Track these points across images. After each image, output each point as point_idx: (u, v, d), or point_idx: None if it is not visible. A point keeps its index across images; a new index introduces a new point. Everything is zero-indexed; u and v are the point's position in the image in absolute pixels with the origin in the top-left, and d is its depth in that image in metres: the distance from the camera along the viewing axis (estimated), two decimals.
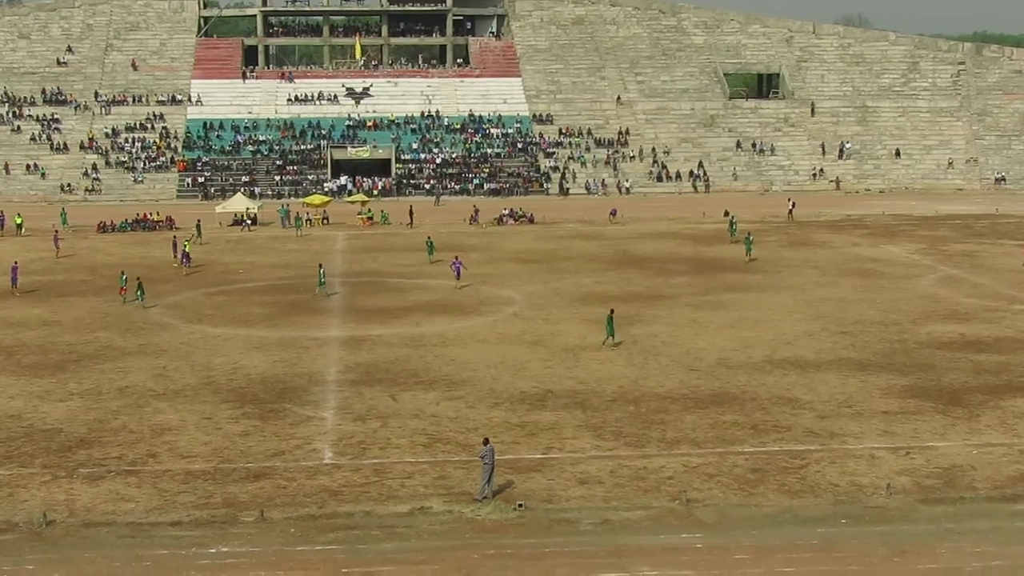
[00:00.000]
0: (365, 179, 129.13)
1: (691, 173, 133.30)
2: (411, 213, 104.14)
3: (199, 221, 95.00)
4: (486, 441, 35.17)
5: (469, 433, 40.77)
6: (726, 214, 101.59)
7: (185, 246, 79.12)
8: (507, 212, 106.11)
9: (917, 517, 33.33)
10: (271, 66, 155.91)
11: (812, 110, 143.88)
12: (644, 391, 46.60)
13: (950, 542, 31.48)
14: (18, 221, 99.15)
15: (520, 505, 33.88)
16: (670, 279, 73.26)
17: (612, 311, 55.12)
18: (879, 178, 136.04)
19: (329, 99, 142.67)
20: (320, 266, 69.73)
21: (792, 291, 68.82)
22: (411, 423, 42.42)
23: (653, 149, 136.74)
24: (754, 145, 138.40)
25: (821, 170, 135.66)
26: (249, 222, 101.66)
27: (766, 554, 30.68)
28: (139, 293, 64.89)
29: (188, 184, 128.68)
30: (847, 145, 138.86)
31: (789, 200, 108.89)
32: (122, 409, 44.60)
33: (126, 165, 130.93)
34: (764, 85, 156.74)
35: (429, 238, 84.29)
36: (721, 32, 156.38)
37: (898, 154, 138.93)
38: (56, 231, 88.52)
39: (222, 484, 36.10)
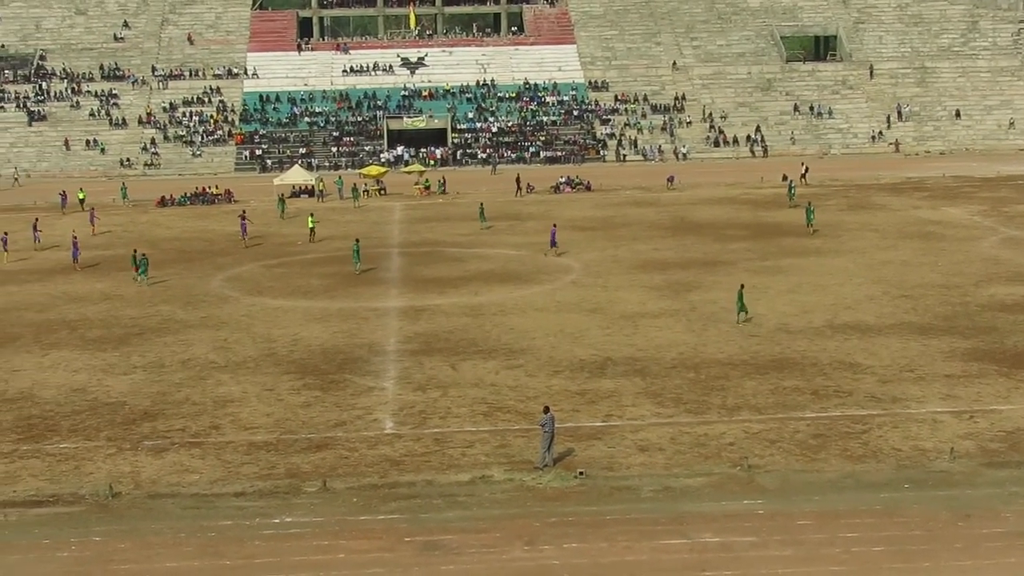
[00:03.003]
0: (421, 149, 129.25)
1: (748, 138, 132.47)
2: (443, 182, 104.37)
3: (282, 195, 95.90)
4: (546, 409, 35.22)
5: (529, 402, 40.84)
6: (784, 178, 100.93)
7: (309, 221, 79.63)
8: (564, 180, 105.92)
9: (981, 481, 33.08)
10: (326, 37, 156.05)
11: (871, 72, 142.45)
12: (704, 357, 46.48)
13: (1015, 506, 31.23)
14: (81, 196, 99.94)
15: (581, 473, 33.92)
16: (728, 245, 72.91)
17: (742, 286, 53.48)
18: (939, 140, 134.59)
19: (384, 69, 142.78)
20: (356, 241, 68.87)
21: (852, 255, 68.32)
22: (471, 392, 42.53)
23: (710, 114, 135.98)
24: (812, 108, 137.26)
25: (880, 133, 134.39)
26: (319, 194, 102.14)
27: (828, 520, 30.55)
28: (142, 269, 64.85)
29: (246, 157, 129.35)
30: (906, 107, 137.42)
31: (802, 164, 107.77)
32: (185, 381, 44.99)
33: (184, 139, 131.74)
34: (821, 47, 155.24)
35: (481, 204, 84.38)
36: None
37: (958, 115, 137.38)
38: (92, 209, 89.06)
39: (285, 455, 36.37)
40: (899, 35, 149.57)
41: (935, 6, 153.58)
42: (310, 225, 79.01)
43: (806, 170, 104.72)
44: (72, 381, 45.52)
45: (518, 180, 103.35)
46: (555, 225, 74.57)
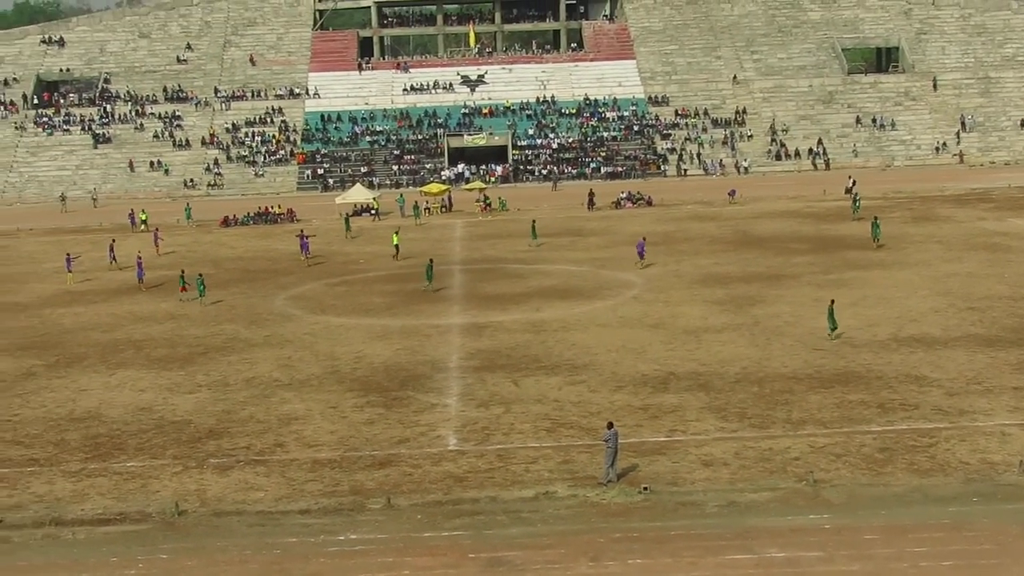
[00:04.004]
0: (482, 166, 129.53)
1: (810, 151, 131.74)
2: (485, 198, 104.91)
3: (347, 214, 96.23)
4: (610, 425, 35.13)
5: (592, 417, 40.76)
6: (847, 191, 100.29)
7: (394, 239, 79.74)
8: (625, 195, 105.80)
9: None
10: (386, 57, 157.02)
11: (934, 83, 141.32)
12: (767, 372, 46.21)
13: None
14: (143, 217, 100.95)
15: (645, 488, 33.79)
16: (791, 258, 72.50)
17: (833, 302, 52.60)
18: (1004, 150, 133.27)
19: (444, 87, 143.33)
20: (430, 260, 68.56)
21: (917, 267, 67.75)
22: (534, 408, 42.50)
23: (771, 127, 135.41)
24: (874, 120, 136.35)
25: (944, 144, 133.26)
26: (374, 212, 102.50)
27: (896, 534, 30.25)
28: (200, 289, 65.36)
29: (308, 176, 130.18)
30: (970, 118, 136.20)
31: (849, 178, 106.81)
32: (249, 400, 45.25)
33: (246, 159, 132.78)
34: (883, 59, 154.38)
35: (533, 221, 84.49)
36: (838, 7, 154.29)
37: (1023, 125, 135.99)
38: (156, 229, 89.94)
39: (349, 472, 36.47)
40: (962, 45, 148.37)
41: (998, 16, 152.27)
42: (395, 242, 79.08)
43: (853, 183, 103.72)
44: (138, 400, 45.92)
45: (591, 195, 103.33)
46: (643, 238, 74.53)
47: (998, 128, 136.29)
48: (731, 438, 38.24)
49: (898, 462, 35.32)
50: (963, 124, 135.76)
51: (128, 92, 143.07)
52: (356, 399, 44.72)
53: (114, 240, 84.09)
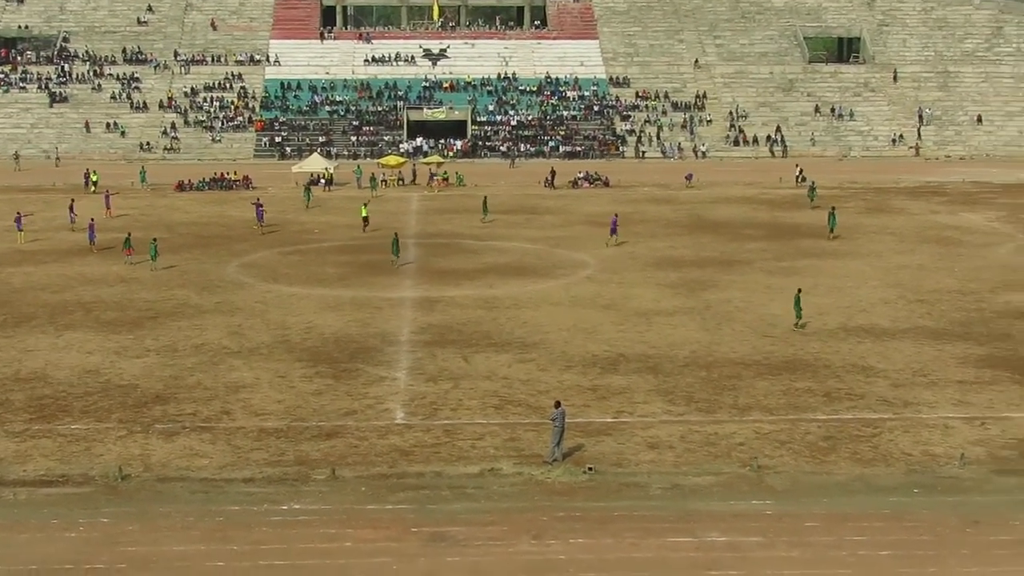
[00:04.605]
0: (441, 141, 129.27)
1: (768, 138, 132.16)
2: (414, 173, 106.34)
3: (308, 183, 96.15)
4: (557, 404, 35.24)
5: (540, 396, 40.86)
6: (798, 180, 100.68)
7: (363, 210, 79.38)
8: (582, 175, 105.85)
9: (991, 488, 33.02)
10: (349, 27, 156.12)
11: (894, 75, 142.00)
12: (717, 356, 46.44)
13: None
14: (95, 179, 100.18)
15: (590, 468, 33.92)
16: (745, 244, 72.81)
17: (800, 291, 52.32)
18: (960, 144, 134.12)
19: (406, 60, 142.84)
20: (395, 234, 68.39)
21: (869, 258, 68.19)
22: (483, 385, 42.56)
23: (730, 113, 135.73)
24: (833, 110, 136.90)
25: (901, 136, 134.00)
26: (325, 182, 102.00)
27: (837, 522, 30.52)
28: (153, 253, 64.95)
29: (265, 144, 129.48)
30: (927, 111, 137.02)
31: (796, 166, 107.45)
32: (197, 366, 45.11)
33: (204, 124, 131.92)
34: (844, 49, 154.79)
35: (485, 198, 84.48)
36: None
37: (980, 120, 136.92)
38: (107, 191, 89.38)
39: (295, 442, 36.43)
40: (923, 39, 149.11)
41: (960, 10, 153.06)
42: (364, 214, 78.68)
43: (800, 172, 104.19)
44: (85, 362, 45.67)
45: (552, 173, 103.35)
46: (616, 215, 74.98)
47: (955, 122, 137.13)
48: (677, 421, 38.43)
49: (841, 451, 35.61)
50: (921, 117, 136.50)
51: (87, 52, 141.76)
52: (305, 369, 44.65)
53: (73, 200, 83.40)
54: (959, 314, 53.76)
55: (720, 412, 39.47)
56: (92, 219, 73.04)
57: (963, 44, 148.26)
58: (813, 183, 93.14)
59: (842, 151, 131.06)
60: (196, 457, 35.20)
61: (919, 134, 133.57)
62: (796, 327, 50.70)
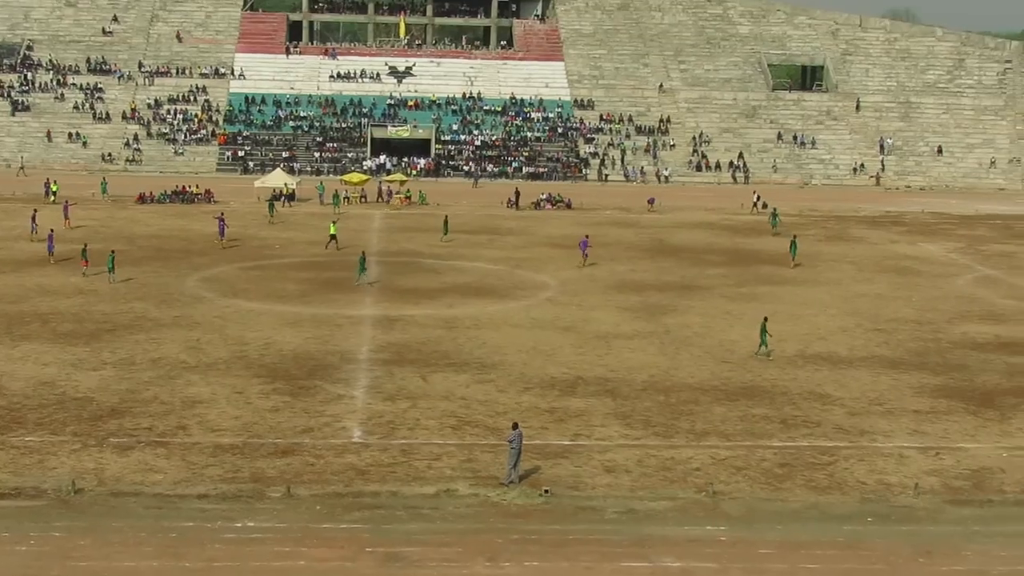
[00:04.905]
0: (404, 159, 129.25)
1: (731, 164, 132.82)
2: (380, 191, 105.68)
3: (272, 198, 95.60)
4: (515, 425, 35.21)
5: (498, 417, 40.82)
6: (764, 205, 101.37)
7: (332, 228, 78.99)
8: (545, 197, 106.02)
9: (944, 518, 33.18)
10: (315, 42, 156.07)
11: (856, 104, 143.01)
12: (675, 381, 46.54)
13: (977, 544, 31.30)
14: (55, 188, 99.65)
15: (546, 491, 33.90)
16: (706, 270, 73.05)
17: (766, 319, 52.37)
18: (920, 175, 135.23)
19: (371, 77, 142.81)
20: (363, 253, 68.35)
21: (828, 286, 68.54)
22: (441, 405, 42.49)
23: (694, 138, 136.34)
24: (795, 138, 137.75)
25: (862, 165, 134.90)
26: (287, 199, 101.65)
27: (791, 550, 30.60)
28: (110, 265, 64.61)
29: (228, 158, 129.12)
30: (889, 141, 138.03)
31: (754, 192, 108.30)
32: (154, 380, 44.85)
33: (167, 137, 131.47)
34: (808, 77, 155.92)
35: (446, 217, 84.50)
36: (767, 22, 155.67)
37: (940, 152, 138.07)
38: (66, 201, 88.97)
39: (250, 459, 36.26)
40: (886, 69, 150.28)
41: (923, 42, 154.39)
42: (332, 231, 78.35)
43: (757, 198, 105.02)
44: (41, 374, 45.34)
45: (517, 194, 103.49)
46: (587, 236, 75.65)
47: (915, 153, 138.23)
48: (635, 445, 38.46)
49: (797, 478, 35.73)
50: (882, 147, 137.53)
51: (50, 60, 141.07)
52: (262, 385, 44.46)
53: (36, 210, 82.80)
54: (916, 344, 54.08)
55: (677, 437, 39.54)
56: (51, 230, 72.59)
57: (925, 75, 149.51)
58: (775, 210, 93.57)
59: (803, 179, 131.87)
60: (150, 472, 34.97)
61: (883, 165, 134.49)
62: (760, 354, 50.72)
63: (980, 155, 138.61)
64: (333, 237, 77.55)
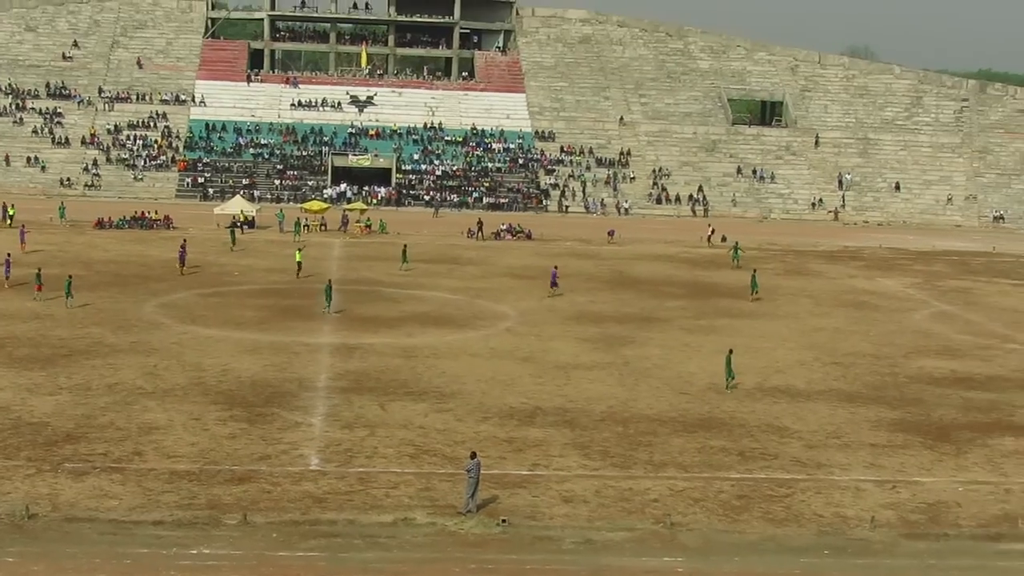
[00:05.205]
0: (365, 187, 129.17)
1: (691, 197, 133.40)
2: (344, 219, 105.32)
3: (232, 225, 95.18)
4: (473, 455, 35.14)
5: (456, 446, 40.72)
6: (723, 239, 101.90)
7: (297, 256, 78.68)
8: (505, 227, 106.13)
9: (900, 552, 33.30)
10: (276, 70, 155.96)
11: (816, 141, 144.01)
12: (633, 412, 46.57)
13: None
14: (11, 212, 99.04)
15: (504, 521, 33.82)
16: (665, 302, 73.26)
17: (731, 351, 52.21)
18: (878, 211, 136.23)
19: (332, 106, 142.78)
20: (329, 282, 67.57)
21: (786, 319, 68.85)
22: (399, 433, 42.37)
23: (654, 171, 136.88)
24: (754, 172, 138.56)
25: (820, 200, 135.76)
26: (246, 225, 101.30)
27: None
28: (67, 290, 64.21)
29: (188, 184, 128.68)
30: (847, 176, 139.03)
31: (709, 226, 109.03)
32: (110, 406, 44.53)
33: (127, 162, 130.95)
34: (767, 112, 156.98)
35: (405, 246, 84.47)
36: (727, 58, 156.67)
37: (898, 188, 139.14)
38: (23, 226, 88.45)
39: (206, 486, 36.02)
40: (844, 105, 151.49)
41: (881, 79, 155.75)
42: (298, 259, 78.03)
43: (712, 231, 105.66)
44: None
45: (480, 224, 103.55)
46: (556, 267, 76.45)
47: (873, 188, 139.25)
48: (593, 476, 38.44)
49: (754, 510, 35.78)
50: (840, 182, 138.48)
51: (10, 85, 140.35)
52: (220, 412, 44.21)
53: None
54: (873, 378, 54.35)
55: (635, 468, 39.55)
56: (8, 254, 72.10)
57: (883, 112, 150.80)
58: (737, 244, 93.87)
59: (763, 213, 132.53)
60: (105, 498, 34.69)
61: (843, 200, 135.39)
62: (730, 387, 50.76)
63: (937, 192, 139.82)
64: (300, 264, 77.31)
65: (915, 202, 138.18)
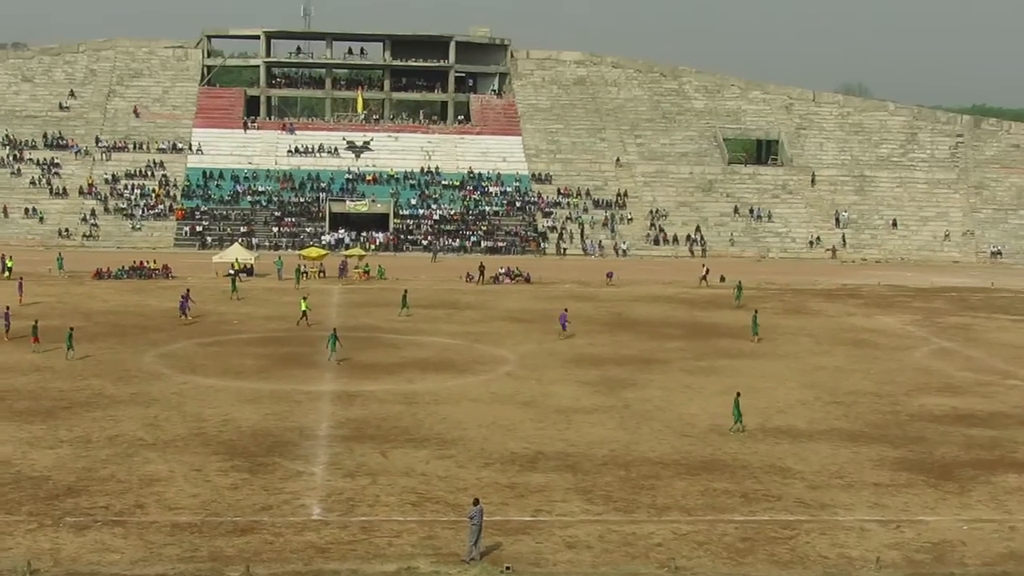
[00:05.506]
0: (363, 233, 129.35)
1: (688, 237, 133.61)
2: (344, 264, 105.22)
3: (234, 273, 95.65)
4: (476, 502, 35.05)
5: (459, 493, 40.60)
6: (722, 279, 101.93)
7: (303, 304, 78.01)
8: (503, 271, 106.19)
9: None
10: (273, 117, 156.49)
11: (812, 179, 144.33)
12: (635, 455, 46.46)
13: None
14: (9, 264, 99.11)
15: (507, 568, 33.69)
16: (665, 343, 73.22)
17: (739, 394, 52.19)
18: (875, 248, 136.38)
19: (329, 151, 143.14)
20: (334, 330, 67.65)
21: (786, 359, 68.79)
22: (401, 481, 42.25)
23: (651, 212, 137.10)
24: (751, 211, 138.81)
25: (818, 238, 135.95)
26: (243, 273, 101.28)
27: None
28: (68, 342, 64.30)
29: (186, 233, 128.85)
30: (844, 214, 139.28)
31: (703, 266, 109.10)
32: (111, 458, 44.42)
33: (125, 212, 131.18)
34: (763, 151, 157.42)
35: (405, 291, 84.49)
36: (722, 97, 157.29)
37: (895, 225, 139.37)
38: (20, 278, 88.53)
39: (209, 537, 35.89)
40: (840, 143, 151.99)
41: (875, 116, 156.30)
42: (303, 308, 77.87)
43: (707, 271, 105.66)
44: None
45: (481, 268, 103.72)
46: (566, 310, 76.61)
47: (871, 226, 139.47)
48: (596, 521, 38.32)
49: (759, 553, 35.65)
50: (837, 220, 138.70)
51: (7, 136, 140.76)
52: (221, 463, 44.10)
53: None
54: (875, 416, 54.26)
55: (638, 512, 39.43)
56: (7, 307, 72.09)
57: (878, 149, 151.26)
58: (740, 283, 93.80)
59: (760, 252, 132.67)
60: (107, 552, 34.54)
61: (843, 239, 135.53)
62: (734, 430, 50.55)
63: (934, 228, 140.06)
64: (304, 313, 77.11)
65: (912, 239, 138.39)
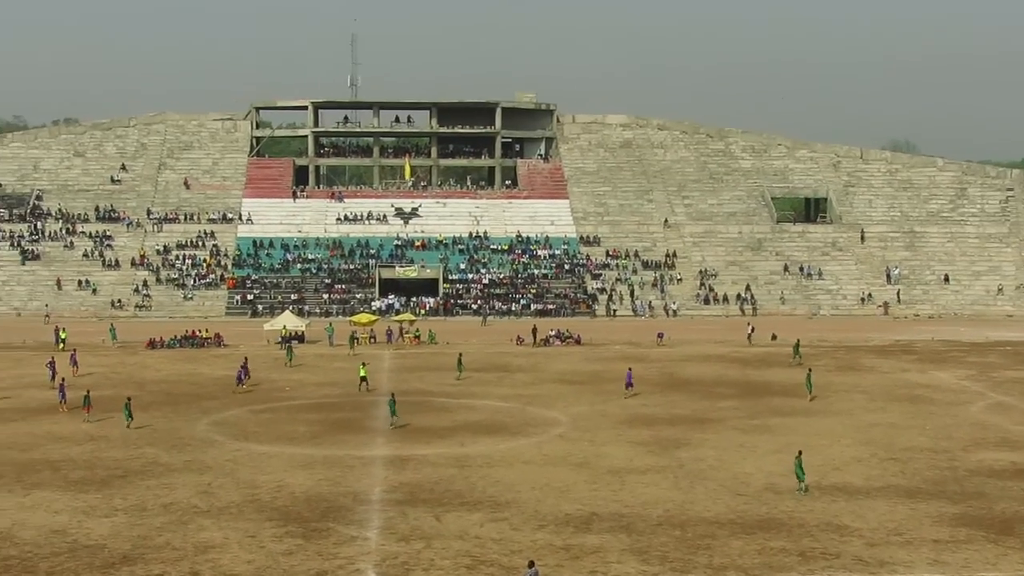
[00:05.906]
0: (412, 298, 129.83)
1: (738, 296, 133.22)
2: (397, 331, 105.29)
3: (290, 343, 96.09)
4: (531, 564, 34.90)
5: (513, 555, 40.40)
6: (773, 337, 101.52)
7: (361, 370, 78.53)
8: (554, 333, 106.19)
9: None
10: (321, 185, 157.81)
11: (862, 236, 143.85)
12: (690, 515, 46.12)
13: None
14: (63, 336, 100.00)
15: None
16: (717, 402, 72.85)
17: (800, 452, 51.39)
18: (928, 303, 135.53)
19: (378, 218, 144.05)
20: (392, 395, 67.68)
21: (840, 416, 68.25)
22: (455, 544, 42.09)
23: (700, 272, 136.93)
24: (801, 269, 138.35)
25: (869, 295, 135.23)
26: (294, 340, 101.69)
27: None
28: (126, 413, 64.73)
29: (237, 301, 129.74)
30: (895, 270, 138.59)
31: (748, 324, 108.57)
32: (166, 526, 44.51)
33: (176, 282, 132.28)
34: (812, 209, 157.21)
35: (460, 355, 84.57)
36: (768, 156, 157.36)
37: (947, 280, 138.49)
38: (74, 350, 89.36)
39: None
40: (888, 199, 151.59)
41: (924, 172, 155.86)
42: (362, 373, 78.20)
43: (752, 329, 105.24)
44: (52, 522, 45.02)
45: (534, 330, 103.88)
46: (630, 368, 77.43)
47: (922, 281, 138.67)
48: None
49: None
50: (888, 276, 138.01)
51: (60, 210, 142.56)
52: (275, 529, 44.11)
53: (54, 357, 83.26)
54: (932, 472, 53.68)
55: (695, 572, 39.08)
56: (63, 378, 72.67)
57: (928, 205, 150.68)
58: (798, 341, 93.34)
59: (811, 310, 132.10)
60: None
61: (898, 296, 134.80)
62: (800, 490, 49.90)
63: (987, 282, 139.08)
64: (364, 379, 77.36)
65: (965, 293, 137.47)
